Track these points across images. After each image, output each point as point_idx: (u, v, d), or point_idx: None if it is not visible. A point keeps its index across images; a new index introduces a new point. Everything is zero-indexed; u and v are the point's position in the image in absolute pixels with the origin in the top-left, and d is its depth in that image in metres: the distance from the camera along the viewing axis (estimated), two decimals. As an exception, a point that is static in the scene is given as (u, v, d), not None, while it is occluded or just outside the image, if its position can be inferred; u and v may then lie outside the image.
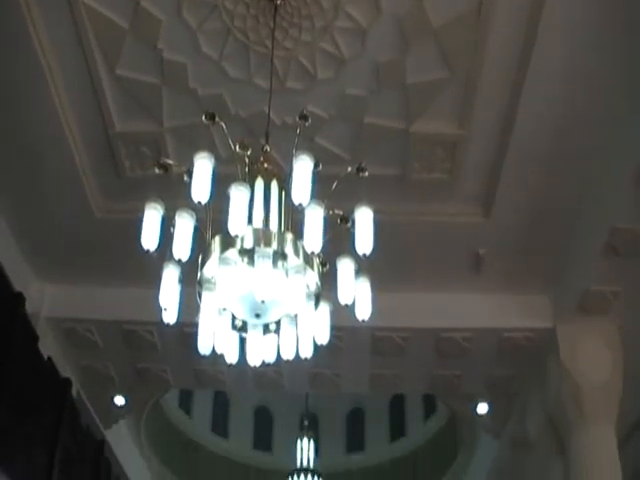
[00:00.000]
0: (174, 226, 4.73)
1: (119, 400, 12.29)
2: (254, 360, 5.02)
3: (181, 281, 4.89)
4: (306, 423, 13.43)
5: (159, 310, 4.90)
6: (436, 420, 17.61)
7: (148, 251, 4.66)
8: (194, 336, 4.93)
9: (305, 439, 13.20)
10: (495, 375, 11.25)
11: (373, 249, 4.73)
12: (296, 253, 4.65)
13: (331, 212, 4.91)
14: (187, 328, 9.40)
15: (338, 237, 4.91)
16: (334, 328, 5.11)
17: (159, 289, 4.83)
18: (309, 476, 12.77)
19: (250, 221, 4.69)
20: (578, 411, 9.79)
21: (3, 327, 6.86)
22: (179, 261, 4.66)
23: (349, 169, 5.14)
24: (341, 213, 4.97)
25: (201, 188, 4.54)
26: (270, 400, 20.15)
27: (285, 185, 5.01)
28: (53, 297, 10.34)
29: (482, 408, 12.25)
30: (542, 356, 10.43)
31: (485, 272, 9.82)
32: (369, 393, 14.48)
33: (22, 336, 7.19)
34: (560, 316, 10.10)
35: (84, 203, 9.07)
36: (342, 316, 5.07)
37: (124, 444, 14.26)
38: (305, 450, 13.12)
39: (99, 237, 9.48)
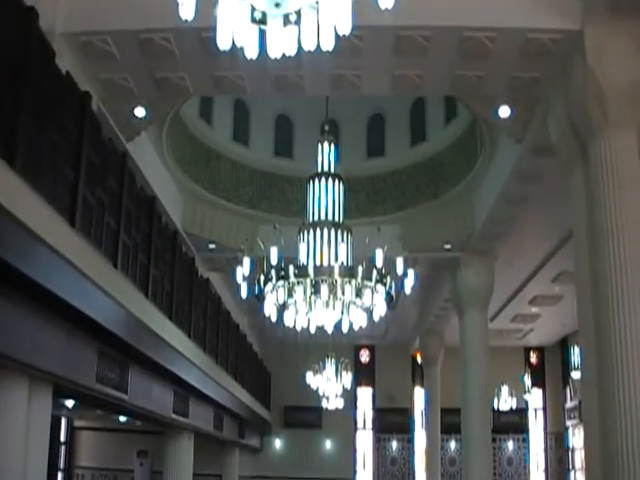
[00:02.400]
0: None
1: (139, 112, 12.32)
2: (275, 52, 4.86)
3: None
4: (326, 128, 13.34)
5: (175, 15, 4.67)
6: (457, 125, 17.70)
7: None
8: (212, 41, 4.75)
9: (325, 144, 13.19)
10: (518, 77, 11.07)
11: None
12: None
13: None
14: (204, 33, 9.39)
15: None
16: (355, 28, 4.87)
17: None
18: (330, 180, 12.89)
19: None
20: (602, 115, 9.68)
21: (18, 43, 6.72)
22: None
23: None
24: None
25: None
26: (290, 107, 20.23)
27: None
28: (67, 11, 10.11)
29: (504, 111, 12.16)
30: (567, 59, 10.20)
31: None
32: (390, 95, 14.37)
33: (38, 52, 7.07)
34: (589, 16, 9.75)
35: None
36: (364, 15, 4.93)
37: (147, 156, 14.57)
38: (325, 155, 13.16)
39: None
